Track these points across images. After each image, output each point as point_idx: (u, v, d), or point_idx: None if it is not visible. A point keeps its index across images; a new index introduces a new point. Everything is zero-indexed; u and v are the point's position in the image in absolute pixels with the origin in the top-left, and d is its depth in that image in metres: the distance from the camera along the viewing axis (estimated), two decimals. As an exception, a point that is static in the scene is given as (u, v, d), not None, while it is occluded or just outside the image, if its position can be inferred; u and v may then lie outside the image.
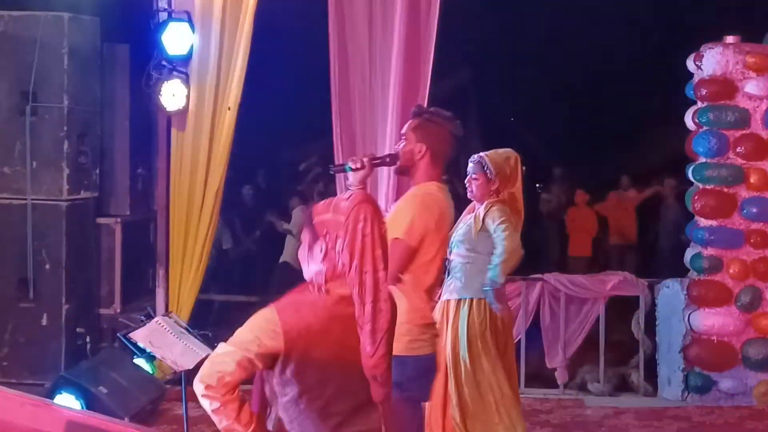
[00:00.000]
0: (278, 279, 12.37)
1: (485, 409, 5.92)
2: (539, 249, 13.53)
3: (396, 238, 4.47)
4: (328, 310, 3.19)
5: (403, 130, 4.79)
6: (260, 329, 3.15)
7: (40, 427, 2.33)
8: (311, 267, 3.25)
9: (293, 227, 12.01)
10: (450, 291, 6.10)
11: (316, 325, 3.15)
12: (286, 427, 3.21)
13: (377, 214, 3.24)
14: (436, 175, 4.74)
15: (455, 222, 4.80)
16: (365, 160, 4.60)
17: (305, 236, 3.29)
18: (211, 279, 10.09)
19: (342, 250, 3.18)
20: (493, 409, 5.92)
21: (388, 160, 4.80)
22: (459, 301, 6.04)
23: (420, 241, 4.57)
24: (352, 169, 4.62)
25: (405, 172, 4.81)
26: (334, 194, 11.95)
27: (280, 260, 11.98)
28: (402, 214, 4.62)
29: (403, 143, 4.76)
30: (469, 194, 6.14)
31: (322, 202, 3.32)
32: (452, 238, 6.13)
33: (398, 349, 4.50)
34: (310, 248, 3.25)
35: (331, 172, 5.30)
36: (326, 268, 3.21)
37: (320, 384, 3.13)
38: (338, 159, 8.32)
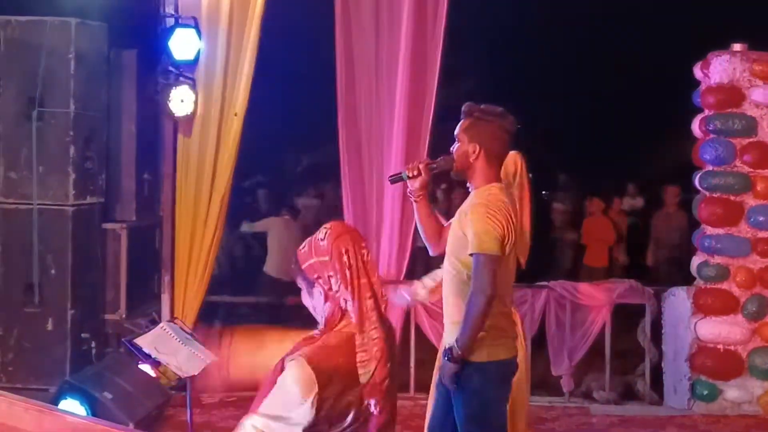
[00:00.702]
0: (261, 287, 12.37)
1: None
2: (551, 258, 13.50)
3: (476, 254, 4.51)
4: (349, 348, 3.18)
5: (456, 132, 4.74)
6: (292, 400, 3.09)
7: (44, 433, 2.33)
8: (317, 311, 3.26)
9: (253, 227, 12.23)
10: None
11: (344, 365, 3.14)
12: None
13: (356, 241, 3.24)
14: (494, 175, 4.69)
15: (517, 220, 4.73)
16: (421, 166, 4.71)
17: (302, 284, 3.28)
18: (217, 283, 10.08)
19: (338, 289, 3.18)
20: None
21: (443, 163, 4.80)
22: None
23: (500, 246, 4.53)
24: (409, 177, 4.73)
25: (462, 175, 4.78)
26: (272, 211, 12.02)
27: (264, 269, 12.02)
28: (472, 228, 4.56)
29: (457, 145, 4.73)
30: None
31: (303, 246, 3.29)
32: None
33: (480, 356, 4.58)
34: (310, 294, 3.26)
35: (390, 183, 5.27)
36: (332, 308, 3.21)
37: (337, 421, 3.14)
38: (343, 165, 8.33)
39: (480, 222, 4.52)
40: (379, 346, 3.17)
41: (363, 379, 3.14)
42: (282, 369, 3.12)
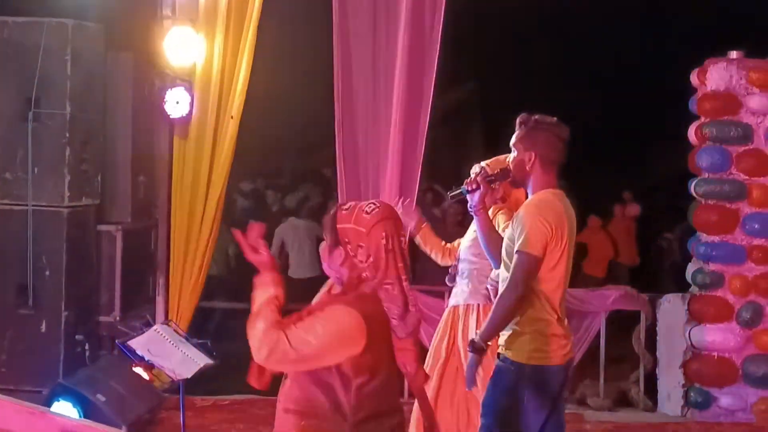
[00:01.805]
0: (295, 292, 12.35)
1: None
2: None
3: (518, 251, 4.58)
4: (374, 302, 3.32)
5: (512, 142, 4.82)
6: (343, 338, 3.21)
7: (34, 435, 2.32)
8: (331, 268, 3.39)
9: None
10: (457, 296, 6.12)
11: (376, 315, 3.28)
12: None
13: (398, 228, 3.37)
14: (550, 182, 4.74)
15: (574, 228, 4.75)
16: (479, 179, 4.89)
17: (327, 238, 3.38)
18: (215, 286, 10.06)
19: (365, 261, 3.30)
20: None
21: (499, 174, 4.97)
22: (467, 306, 6.04)
23: (542, 250, 4.58)
24: (468, 192, 4.90)
25: (520, 184, 4.88)
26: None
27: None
28: (520, 226, 4.64)
29: (513, 155, 4.81)
30: None
31: (347, 207, 3.39)
32: (461, 245, 6.14)
33: (519, 356, 4.63)
34: (330, 252, 3.37)
35: (451, 200, 5.39)
36: (346, 274, 3.32)
37: (372, 373, 3.27)
38: (341, 170, 8.32)
39: (528, 221, 4.61)
40: (416, 319, 3.35)
41: (400, 345, 3.35)
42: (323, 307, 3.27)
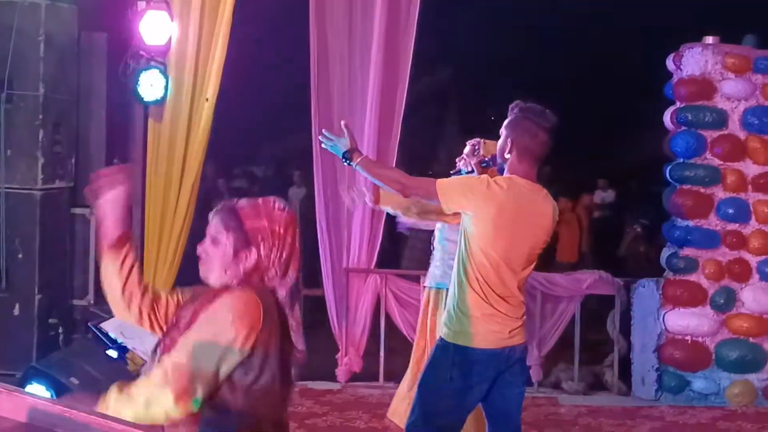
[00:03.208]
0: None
1: None
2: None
3: (436, 180, 4.67)
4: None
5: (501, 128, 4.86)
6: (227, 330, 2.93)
7: (1, 413, 2.30)
8: (230, 269, 3.08)
9: None
10: (431, 278, 6.16)
11: (271, 305, 3.05)
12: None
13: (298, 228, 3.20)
14: (524, 171, 4.68)
15: (536, 219, 4.69)
16: (473, 162, 5.22)
17: (229, 239, 3.08)
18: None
19: (276, 260, 3.06)
20: None
21: (492, 158, 5.10)
22: (438, 290, 6.06)
23: (456, 194, 4.58)
24: (466, 173, 5.09)
25: (502, 169, 4.85)
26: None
27: None
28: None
29: (499, 140, 4.82)
30: None
31: (247, 203, 3.13)
32: (436, 227, 6.15)
33: (448, 336, 4.64)
34: (235, 253, 3.06)
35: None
36: (253, 273, 3.07)
37: (261, 370, 3.00)
38: (315, 152, 8.29)
39: (464, 180, 4.81)
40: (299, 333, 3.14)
41: (301, 348, 3.13)
42: (213, 299, 2.99)
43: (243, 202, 3.14)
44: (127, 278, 3.25)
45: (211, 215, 3.15)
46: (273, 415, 3.09)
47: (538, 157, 4.73)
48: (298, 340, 3.11)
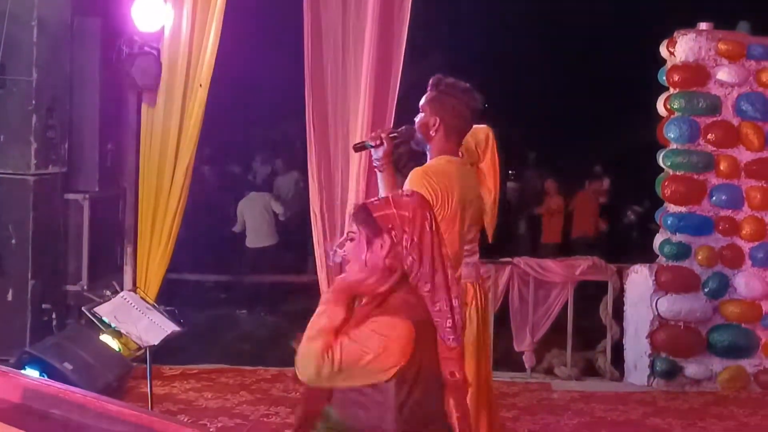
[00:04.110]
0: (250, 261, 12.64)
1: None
2: (510, 236, 13.64)
3: None
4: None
5: (421, 103, 4.74)
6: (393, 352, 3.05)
7: (-4, 393, 2.30)
8: (372, 263, 3.15)
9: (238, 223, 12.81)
10: None
11: (423, 321, 3.13)
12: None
13: (434, 216, 3.24)
14: (450, 149, 4.67)
15: (471, 194, 4.69)
16: (383, 135, 4.66)
17: (361, 234, 3.17)
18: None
19: (410, 246, 3.12)
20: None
21: (405, 132, 4.79)
22: None
23: None
24: (372, 146, 4.69)
25: (420, 145, 4.78)
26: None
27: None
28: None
29: (420, 116, 4.73)
30: None
31: (377, 199, 3.26)
32: None
33: None
34: (370, 244, 3.15)
35: (355, 151, 5.23)
36: (394, 264, 3.13)
37: (413, 383, 3.10)
38: (310, 139, 8.28)
39: (412, 184, 4.49)
40: (461, 314, 3.21)
41: (451, 346, 3.18)
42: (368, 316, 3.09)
43: (373, 199, 3.25)
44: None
45: (347, 219, 3.29)
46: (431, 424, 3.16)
47: (464, 134, 4.74)
48: (447, 337, 3.17)
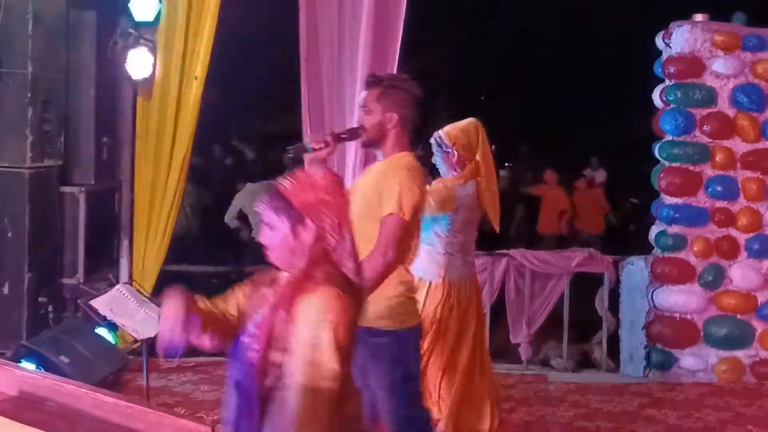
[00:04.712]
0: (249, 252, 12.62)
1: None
2: (507, 227, 13.65)
3: (390, 214, 4.38)
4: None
5: (363, 103, 4.60)
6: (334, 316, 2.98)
7: (-8, 386, 2.31)
8: (298, 250, 3.10)
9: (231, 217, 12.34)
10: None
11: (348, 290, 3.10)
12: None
13: (345, 188, 3.21)
14: (406, 143, 4.60)
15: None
16: (329, 138, 4.42)
17: (281, 221, 3.10)
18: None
19: (330, 226, 3.08)
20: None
21: (351, 134, 4.65)
22: (419, 280, 5.99)
23: (413, 215, 4.44)
24: (314, 149, 4.42)
25: (373, 145, 4.64)
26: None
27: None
28: (391, 188, 4.43)
29: (368, 116, 4.57)
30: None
31: (287, 182, 3.13)
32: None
33: (394, 324, 4.47)
34: (295, 232, 3.09)
35: (290, 155, 4.76)
36: (320, 248, 3.09)
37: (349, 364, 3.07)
38: (306, 132, 8.29)
39: (404, 185, 4.42)
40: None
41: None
42: (294, 302, 3.02)
43: (283, 182, 3.15)
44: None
45: (258, 206, 3.17)
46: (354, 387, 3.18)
47: (413, 125, 4.67)
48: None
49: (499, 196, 6.26)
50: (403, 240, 4.43)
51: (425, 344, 5.67)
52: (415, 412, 4.60)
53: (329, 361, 2.89)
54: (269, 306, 3.08)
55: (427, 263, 5.85)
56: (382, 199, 4.42)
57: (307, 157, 4.42)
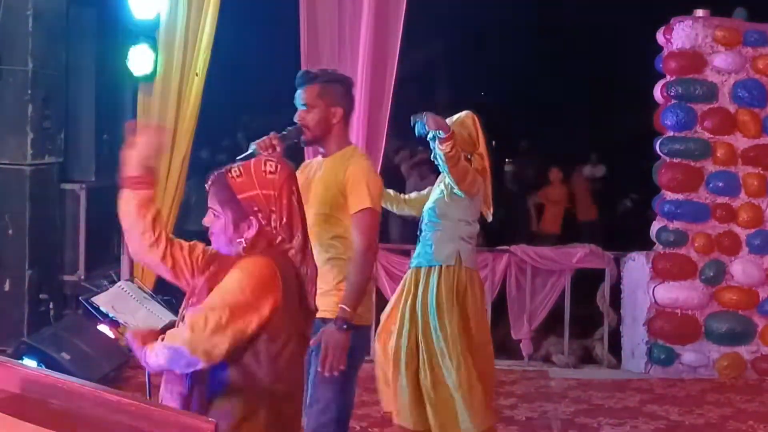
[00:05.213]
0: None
1: (450, 375, 5.92)
2: (508, 224, 13.64)
3: (367, 208, 4.34)
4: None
5: (305, 100, 4.45)
6: (260, 287, 2.95)
7: (-6, 383, 2.31)
8: (235, 242, 3.08)
9: None
10: (420, 258, 6.09)
11: (288, 270, 3.06)
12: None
13: (296, 180, 3.18)
14: (348, 137, 4.55)
15: None
16: (275, 142, 4.26)
17: (225, 212, 3.07)
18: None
19: (278, 224, 3.05)
20: (455, 377, 5.91)
21: (294, 133, 4.46)
22: (429, 268, 6.01)
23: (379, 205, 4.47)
24: (262, 155, 4.16)
25: (317, 142, 4.53)
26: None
27: None
28: (358, 183, 4.38)
29: (310, 113, 4.43)
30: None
31: (236, 172, 3.10)
32: (425, 205, 6.10)
33: (359, 319, 4.40)
34: (236, 226, 3.06)
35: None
36: (261, 243, 3.05)
37: (287, 337, 3.04)
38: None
39: (369, 177, 4.39)
40: (315, 281, 3.16)
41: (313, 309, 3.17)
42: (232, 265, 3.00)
43: (234, 171, 3.11)
44: (155, 218, 3.16)
45: (207, 187, 3.13)
46: (299, 388, 3.13)
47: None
48: (311, 301, 3.15)
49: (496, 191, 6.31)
50: (377, 230, 4.43)
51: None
52: (340, 399, 4.44)
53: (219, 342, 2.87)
54: (203, 282, 3.08)
55: (441, 246, 5.96)
56: (350, 195, 4.38)
57: None
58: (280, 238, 3.06)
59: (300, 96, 4.46)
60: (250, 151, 4.22)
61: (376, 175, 4.49)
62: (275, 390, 3.00)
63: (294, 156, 3.98)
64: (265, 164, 3.12)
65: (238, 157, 4.11)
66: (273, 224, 3.06)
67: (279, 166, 3.13)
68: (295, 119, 4.46)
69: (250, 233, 3.05)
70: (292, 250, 3.08)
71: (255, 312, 2.91)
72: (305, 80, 4.46)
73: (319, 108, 4.43)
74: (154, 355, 2.89)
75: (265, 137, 4.29)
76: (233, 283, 2.93)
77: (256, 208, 3.05)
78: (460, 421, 5.87)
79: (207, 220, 3.13)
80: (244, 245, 3.06)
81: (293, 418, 3.14)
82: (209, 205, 3.12)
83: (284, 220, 3.06)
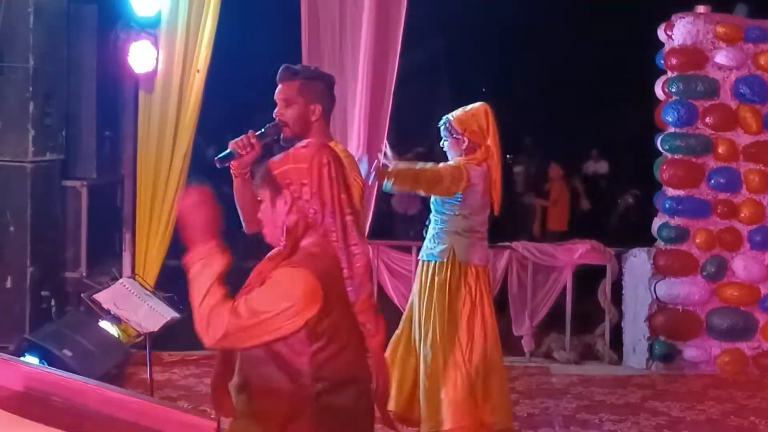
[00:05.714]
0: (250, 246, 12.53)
1: (454, 368, 5.91)
2: (514, 221, 13.64)
3: None
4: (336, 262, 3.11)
5: (284, 96, 4.37)
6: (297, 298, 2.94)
7: (-3, 381, 2.31)
8: (278, 223, 3.09)
9: None
10: (428, 251, 6.07)
11: (330, 273, 3.04)
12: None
13: (337, 158, 3.14)
14: (329, 134, 4.45)
15: None
16: (253, 140, 4.17)
17: (265, 194, 3.10)
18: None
19: (311, 197, 3.05)
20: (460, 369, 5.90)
21: (272, 130, 4.37)
22: (436, 263, 6.00)
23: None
24: (241, 155, 4.16)
25: (295, 139, 4.30)
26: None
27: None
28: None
29: (289, 109, 4.34)
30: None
31: (277, 156, 3.14)
32: (432, 199, 6.10)
33: None
34: (273, 204, 3.07)
35: (219, 165, 4.25)
36: (297, 219, 3.06)
37: (337, 338, 3.04)
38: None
39: (353, 176, 4.22)
40: (362, 262, 3.12)
41: (352, 299, 3.11)
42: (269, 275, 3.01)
43: (276, 157, 3.15)
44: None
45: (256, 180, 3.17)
46: (348, 376, 3.08)
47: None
48: (347, 289, 3.12)
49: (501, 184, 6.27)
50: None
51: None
52: None
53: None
54: (250, 279, 3.10)
55: (445, 240, 5.95)
56: None
57: (234, 164, 4.20)
58: (312, 211, 3.05)
59: (280, 91, 4.40)
60: (227, 152, 4.14)
61: (358, 173, 4.43)
62: (317, 387, 2.99)
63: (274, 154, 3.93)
64: (300, 143, 3.18)
65: (216, 157, 4.17)
66: (304, 197, 3.05)
67: (311, 141, 3.19)
68: (274, 115, 4.39)
69: (285, 208, 3.05)
70: (334, 234, 3.07)
71: (278, 329, 2.93)
72: (286, 76, 4.38)
73: (299, 104, 4.35)
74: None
75: (242, 136, 4.19)
76: (269, 295, 2.96)
77: (288, 181, 3.06)
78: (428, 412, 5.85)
79: (259, 214, 3.15)
80: (288, 230, 3.06)
81: (349, 406, 3.08)
82: (258, 197, 3.15)
83: (314, 191, 3.05)
